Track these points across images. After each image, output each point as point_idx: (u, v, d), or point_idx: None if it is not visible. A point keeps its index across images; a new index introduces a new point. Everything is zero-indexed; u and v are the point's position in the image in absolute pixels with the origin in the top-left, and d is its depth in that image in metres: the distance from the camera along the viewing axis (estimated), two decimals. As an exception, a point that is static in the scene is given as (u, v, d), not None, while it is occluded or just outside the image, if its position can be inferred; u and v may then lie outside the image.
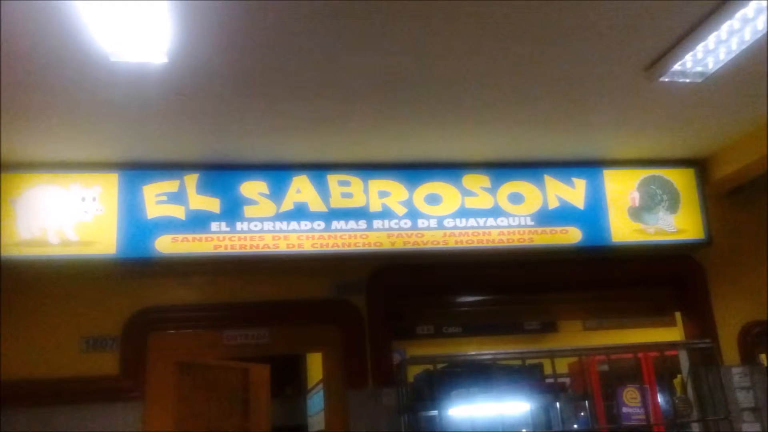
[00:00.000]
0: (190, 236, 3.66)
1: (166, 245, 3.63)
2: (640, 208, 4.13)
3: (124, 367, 3.70)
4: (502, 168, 4.04)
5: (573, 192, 4.08)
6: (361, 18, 2.56)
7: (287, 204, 3.79)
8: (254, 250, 3.70)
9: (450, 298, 4.37)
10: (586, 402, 4.33)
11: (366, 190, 3.89)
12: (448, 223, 3.92)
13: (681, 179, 4.22)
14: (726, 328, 4.24)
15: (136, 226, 3.63)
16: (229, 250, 3.68)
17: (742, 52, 2.94)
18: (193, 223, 3.68)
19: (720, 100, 3.49)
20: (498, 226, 3.95)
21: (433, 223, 3.90)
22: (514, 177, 4.04)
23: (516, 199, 4.01)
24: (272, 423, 5.20)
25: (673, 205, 4.16)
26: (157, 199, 3.68)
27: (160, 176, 3.71)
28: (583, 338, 5.96)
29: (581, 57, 2.96)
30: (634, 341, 4.72)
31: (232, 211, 3.74)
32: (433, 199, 3.94)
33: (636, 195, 4.15)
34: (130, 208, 3.64)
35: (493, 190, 4.00)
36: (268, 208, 3.77)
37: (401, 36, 2.69)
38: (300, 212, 3.79)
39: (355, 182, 3.90)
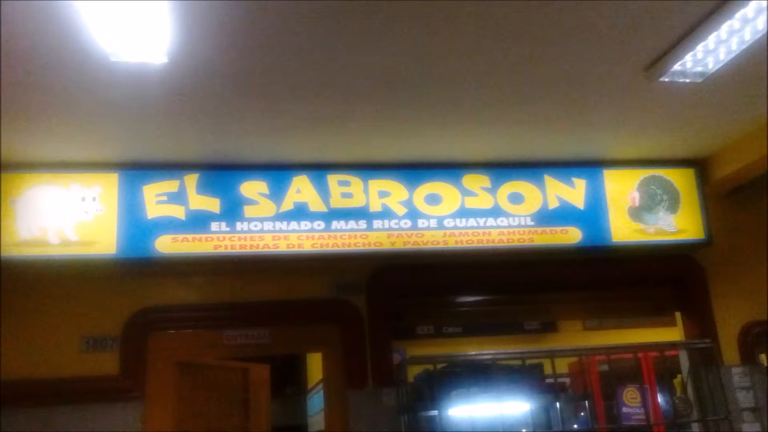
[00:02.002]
0: (190, 236, 3.66)
1: (166, 245, 3.63)
2: (640, 208, 4.12)
3: (124, 367, 3.70)
4: (502, 168, 4.04)
5: (573, 192, 4.08)
6: (361, 18, 2.56)
7: (287, 204, 3.79)
8: (254, 250, 3.70)
9: (450, 298, 4.37)
10: (586, 402, 4.32)
11: (366, 190, 3.89)
12: (448, 223, 3.92)
13: (681, 179, 4.22)
14: (726, 328, 4.24)
15: (136, 226, 3.62)
16: (229, 250, 3.68)
17: (742, 52, 2.94)
18: (193, 223, 3.68)
19: (720, 100, 3.48)
20: (498, 226, 3.95)
21: (433, 223, 3.90)
22: (514, 177, 4.04)
23: (516, 199, 4.01)
24: (272, 423, 5.21)
25: (673, 205, 4.16)
26: (157, 199, 3.68)
27: (160, 176, 3.71)
28: (583, 338, 5.96)
29: (581, 57, 2.96)
30: (634, 341, 4.72)
31: (232, 211, 3.73)
32: (433, 199, 3.94)
33: (636, 195, 4.14)
34: (130, 208, 3.64)
35: (493, 190, 4.00)
36: (268, 208, 3.77)
37: (401, 36, 2.69)
38: (300, 212, 3.79)
39: (355, 182, 3.90)
